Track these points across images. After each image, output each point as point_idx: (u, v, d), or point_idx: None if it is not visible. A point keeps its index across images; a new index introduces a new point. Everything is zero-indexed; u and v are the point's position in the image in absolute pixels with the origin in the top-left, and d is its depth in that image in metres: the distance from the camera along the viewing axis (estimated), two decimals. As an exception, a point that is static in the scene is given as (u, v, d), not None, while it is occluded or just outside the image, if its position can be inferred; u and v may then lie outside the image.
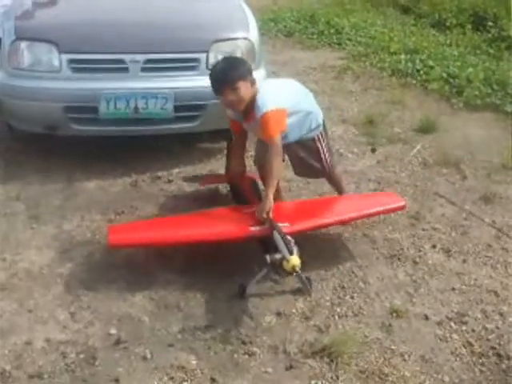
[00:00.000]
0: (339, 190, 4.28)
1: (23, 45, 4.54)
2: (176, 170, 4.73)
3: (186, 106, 4.55)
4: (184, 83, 4.42)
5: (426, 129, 5.71)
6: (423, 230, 4.11)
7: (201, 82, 4.19)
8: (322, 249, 3.81)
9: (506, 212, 4.39)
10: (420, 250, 3.87)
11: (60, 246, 3.79)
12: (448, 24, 9.89)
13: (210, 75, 3.66)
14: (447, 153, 5.20)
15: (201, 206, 4.24)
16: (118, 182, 4.58)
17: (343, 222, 3.92)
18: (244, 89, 3.56)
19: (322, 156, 3.99)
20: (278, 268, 3.24)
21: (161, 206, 4.28)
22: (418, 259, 3.78)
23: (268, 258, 3.24)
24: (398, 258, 3.78)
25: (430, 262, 3.77)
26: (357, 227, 4.06)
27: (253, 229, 3.49)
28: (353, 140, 5.40)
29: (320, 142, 3.96)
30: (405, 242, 3.95)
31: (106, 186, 4.53)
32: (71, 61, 4.46)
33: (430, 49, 8.23)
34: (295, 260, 3.16)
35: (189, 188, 4.53)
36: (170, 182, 4.60)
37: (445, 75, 7.12)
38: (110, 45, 4.41)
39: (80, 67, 4.48)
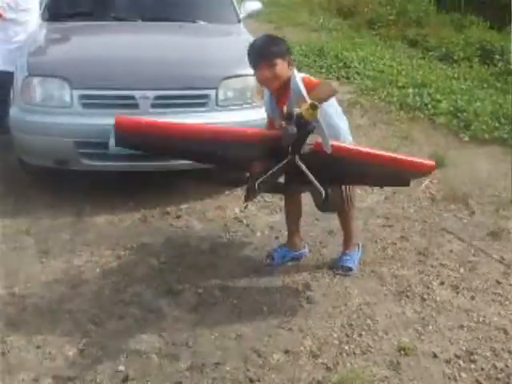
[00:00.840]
0: (347, 234, 4.05)
1: (36, 81, 4.63)
2: (185, 206, 4.74)
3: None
4: (194, 119, 4.43)
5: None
6: (431, 266, 4.10)
7: (210, 118, 4.25)
8: (330, 285, 3.81)
9: (514, 248, 4.38)
10: (428, 287, 3.86)
11: (69, 282, 3.79)
12: (455, 57, 10.01)
13: (249, 49, 3.59)
14: (455, 188, 5.21)
15: (211, 242, 4.28)
16: (127, 217, 4.60)
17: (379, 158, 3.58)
18: (281, 67, 3.47)
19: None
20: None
21: (170, 242, 4.29)
22: (426, 296, 3.76)
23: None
24: (406, 295, 3.76)
25: (438, 298, 3.75)
26: (365, 264, 4.06)
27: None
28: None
29: None
30: (413, 278, 3.94)
31: (116, 220, 4.56)
32: (82, 96, 4.53)
33: (438, 82, 8.29)
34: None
35: (198, 224, 4.54)
36: (178, 217, 4.61)
37: (452, 109, 7.16)
38: (120, 81, 4.48)
39: (91, 103, 4.55)
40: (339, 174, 3.60)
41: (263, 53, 3.51)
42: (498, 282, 3.95)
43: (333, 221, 4.23)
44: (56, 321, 3.43)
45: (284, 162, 3.29)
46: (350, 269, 3.92)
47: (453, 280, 3.95)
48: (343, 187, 3.80)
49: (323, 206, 3.67)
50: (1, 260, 4.01)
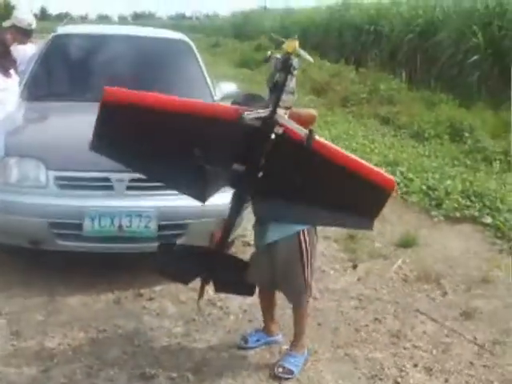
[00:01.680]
0: (299, 332, 3.87)
1: (12, 161, 4.65)
2: (158, 288, 4.73)
3: (170, 225, 4.62)
4: (168, 202, 4.50)
5: (406, 243, 5.81)
6: (404, 348, 4.10)
7: (184, 201, 4.28)
8: (303, 369, 3.79)
9: (487, 327, 4.41)
10: (402, 370, 3.85)
11: (41, 365, 3.73)
12: (426, 135, 10.25)
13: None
14: (427, 268, 5.27)
15: (184, 325, 4.26)
16: (100, 298, 4.57)
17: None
18: None
19: (305, 267, 3.70)
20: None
21: (143, 325, 4.25)
22: (399, 379, 3.76)
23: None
24: (380, 378, 3.75)
25: (411, 381, 3.75)
26: (338, 347, 4.06)
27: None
28: (334, 256, 5.46)
29: (305, 242, 3.68)
30: (386, 361, 3.94)
31: (89, 301, 4.52)
32: (58, 178, 4.55)
33: (410, 160, 8.45)
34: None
35: (172, 306, 4.52)
36: (151, 299, 4.59)
37: (424, 187, 7.30)
38: (96, 163, 4.48)
39: (66, 184, 4.57)
40: (301, 175, 3.42)
41: None
42: (471, 363, 3.97)
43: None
44: (26, 407, 3.38)
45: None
46: (292, 372, 3.71)
47: (426, 362, 3.96)
48: (306, 276, 3.70)
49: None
50: (-29, 342, 3.95)
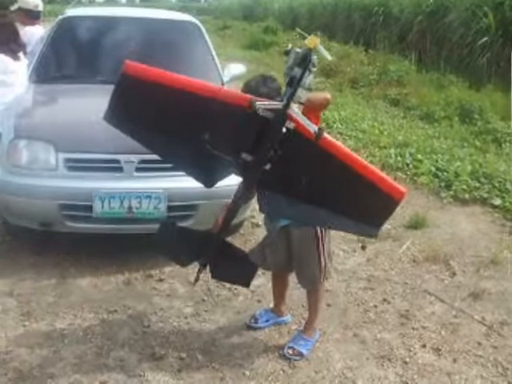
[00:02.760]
0: (312, 316, 3.92)
1: (22, 143, 4.67)
2: (168, 269, 4.75)
3: (179, 206, 4.63)
4: (177, 183, 4.51)
5: (415, 224, 5.81)
6: (413, 328, 4.12)
7: (193, 182, 4.29)
8: (312, 350, 3.81)
9: (495, 308, 4.42)
10: (410, 350, 3.88)
11: (52, 345, 3.77)
12: (436, 116, 10.18)
13: (242, 89, 3.63)
14: (436, 249, 5.27)
15: (193, 306, 4.30)
16: (111, 280, 4.60)
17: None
18: None
19: (321, 253, 3.73)
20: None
21: (153, 306, 4.28)
22: (408, 359, 3.79)
23: None
24: (388, 359, 3.78)
25: (420, 361, 3.77)
26: (347, 327, 4.09)
27: None
28: (343, 237, 5.45)
29: (322, 230, 3.72)
30: (394, 341, 3.96)
31: (100, 283, 4.55)
32: (67, 160, 4.57)
33: (419, 142, 8.42)
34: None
35: (181, 287, 4.55)
36: (161, 280, 4.62)
37: (433, 169, 7.29)
38: (105, 145, 4.53)
39: (76, 166, 4.59)
40: (309, 173, 3.40)
41: (253, 94, 3.47)
42: (480, 344, 3.99)
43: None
44: (38, 386, 3.40)
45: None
46: (302, 354, 3.75)
47: (434, 342, 3.98)
48: (322, 258, 3.71)
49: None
50: (-18, 323, 3.99)
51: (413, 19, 17.02)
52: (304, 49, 3.19)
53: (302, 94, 3.23)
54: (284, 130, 3.24)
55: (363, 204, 3.44)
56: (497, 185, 6.77)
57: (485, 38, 13.13)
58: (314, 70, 3.23)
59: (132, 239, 4.87)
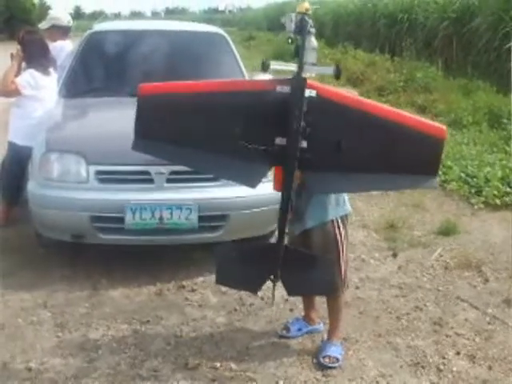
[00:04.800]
0: (336, 322, 3.90)
1: (53, 156, 4.74)
2: (200, 279, 4.78)
3: (210, 217, 4.65)
4: (207, 194, 4.54)
5: (446, 231, 5.77)
6: (446, 336, 4.09)
7: (224, 192, 4.33)
8: (345, 358, 3.79)
9: (530, 315, 4.37)
10: (444, 357, 3.84)
11: (86, 356, 3.80)
12: (464, 122, 10.10)
13: None
14: (468, 255, 5.23)
15: (226, 315, 4.31)
16: (142, 291, 4.63)
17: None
18: None
19: (341, 258, 3.71)
20: None
21: (186, 316, 4.30)
22: (442, 366, 3.75)
23: None
24: (422, 366, 3.75)
25: (454, 369, 3.73)
26: (380, 335, 4.07)
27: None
28: (374, 245, 5.44)
29: (339, 230, 3.71)
30: (428, 349, 3.93)
31: (132, 294, 4.58)
32: (98, 172, 4.63)
33: (448, 148, 8.32)
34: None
35: (213, 298, 4.56)
36: (193, 291, 4.64)
37: (463, 175, 7.24)
38: (135, 157, 4.51)
39: (107, 178, 4.64)
40: (347, 138, 3.28)
41: None
42: (515, 351, 3.93)
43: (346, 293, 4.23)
44: (73, 397, 3.44)
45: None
46: (338, 360, 3.72)
47: (469, 349, 3.94)
48: (342, 265, 3.69)
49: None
50: (18, 334, 4.04)
51: (438, 25, 16.92)
52: (297, 15, 3.27)
53: (310, 56, 3.28)
54: (306, 95, 3.19)
55: (410, 154, 3.31)
56: (528, 189, 6.71)
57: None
58: (313, 30, 3.30)
59: (164, 250, 4.91)
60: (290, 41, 3.36)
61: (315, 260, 3.58)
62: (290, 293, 3.83)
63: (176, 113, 3.35)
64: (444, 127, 3.33)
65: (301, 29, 3.27)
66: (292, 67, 3.26)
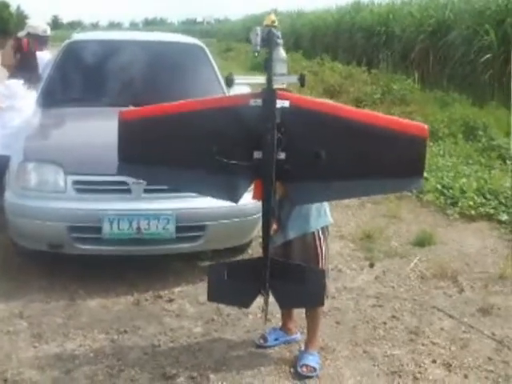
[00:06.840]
0: (314, 332, 3.92)
1: (31, 166, 4.73)
2: (178, 289, 4.77)
3: (188, 227, 4.67)
4: (185, 204, 4.55)
5: (422, 241, 5.82)
6: (423, 344, 4.11)
7: (201, 202, 4.33)
8: (322, 367, 3.80)
9: (505, 323, 4.41)
10: (420, 366, 3.86)
11: (62, 366, 3.78)
12: (440, 134, 10.18)
13: None
14: (444, 265, 5.27)
15: (203, 325, 4.30)
16: (120, 301, 4.61)
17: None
18: None
19: (321, 265, 3.72)
20: None
21: (163, 326, 4.29)
22: (418, 375, 3.77)
23: None
24: (399, 375, 3.77)
25: (430, 377, 3.76)
26: (357, 344, 4.09)
27: None
28: (351, 255, 5.47)
29: (320, 241, 3.74)
30: (405, 357, 3.95)
31: (109, 304, 4.57)
32: (76, 182, 4.62)
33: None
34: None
35: (191, 308, 4.56)
36: (171, 301, 4.63)
37: (439, 186, 7.31)
38: (113, 167, 4.54)
39: (84, 188, 4.64)
40: (325, 146, 3.23)
41: None
42: (490, 359, 3.97)
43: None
44: (50, 408, 3.43)
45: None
46: (315, 369, 3.73)
47: (445, 358, 3.96)
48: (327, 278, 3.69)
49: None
50: (-6, 344, 4.01)
51: (415, 38, 17.15)
52: (263, 29, 3.31)
53: (279, 67, 3.31)
54: (279, 110, 3.20)
55: (392, 156, 3.23)
56: (503, 200, 6.80)
57: (487, 55, 13.20)
58: (281, 41, 3.34)
59: (141, 260, 4.90)
60: (256, 54, 3.42)
61: (305, 272, 3.54)
62: (282, 306, 3.86)
63: (157, 135, 3.39)
64: (425, 126, 3.26)
65: (268, 41, 3.30)
66: (259, 80, 3.29)
